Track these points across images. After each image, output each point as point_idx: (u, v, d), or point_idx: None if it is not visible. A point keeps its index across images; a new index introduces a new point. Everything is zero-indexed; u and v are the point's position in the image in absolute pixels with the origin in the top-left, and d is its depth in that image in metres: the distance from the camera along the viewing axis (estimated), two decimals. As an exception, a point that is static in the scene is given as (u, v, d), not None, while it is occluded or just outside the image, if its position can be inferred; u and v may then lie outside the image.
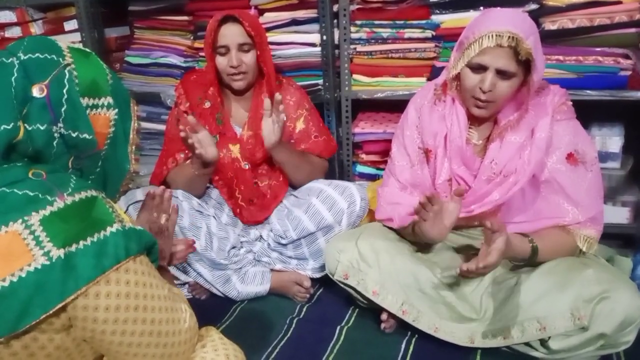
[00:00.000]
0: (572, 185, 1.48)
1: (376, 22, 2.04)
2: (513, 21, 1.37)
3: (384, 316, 1.61)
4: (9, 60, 0.92)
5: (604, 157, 1.94)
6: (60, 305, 0.84)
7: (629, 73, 1.81)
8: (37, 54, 0.94)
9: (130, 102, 1.08)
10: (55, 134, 0.94)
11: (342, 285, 1.65)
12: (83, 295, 0.85)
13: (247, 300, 1.86)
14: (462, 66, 1.43)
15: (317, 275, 1.87)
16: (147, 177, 2.13)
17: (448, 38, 1.98)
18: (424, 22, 1.99)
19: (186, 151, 1.86)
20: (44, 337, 0.86)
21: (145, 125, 2.43)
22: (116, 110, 1.01)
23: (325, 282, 1.84)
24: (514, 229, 1.50)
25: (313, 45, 2.13)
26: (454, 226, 1.47)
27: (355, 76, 2.12)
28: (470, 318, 1.54)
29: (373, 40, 2.07)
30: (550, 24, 1.84)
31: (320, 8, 2.05)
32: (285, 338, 1.65)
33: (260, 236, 1.94)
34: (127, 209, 1.73)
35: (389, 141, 1.77)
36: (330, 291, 1.84)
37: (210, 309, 1.81)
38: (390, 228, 1.68)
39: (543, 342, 1.45)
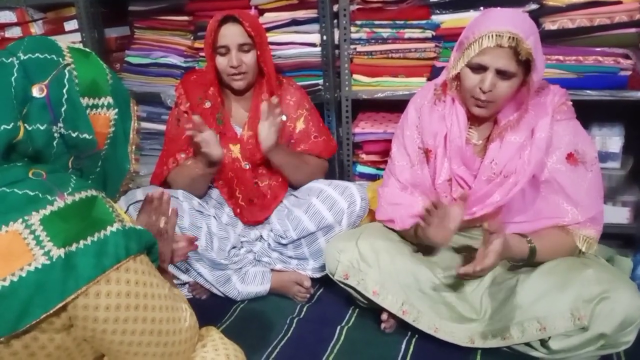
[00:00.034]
0: (572, 185, 1.48)
1: (376, 22, 2.04)
2: (513, 21, 1.37)
3: (384, 316, 1.61)
4: (9, 60, 0.92)
5: (604, 157, 1.94)
6: (60, 305, 0.84)
7: (629, 73, 1.81)
8: (37, 54, 0.94)
9: (130, 102, 1.08)
10: (55, 134, 0.94)
11: (342, 285, 1.65)
12: (83, 294, 0.85)
13: (248, 300, 1.86)
14: (462, 66, 1.43)
15: (318, 275, 1.87)
16: (147, 177, 2.13)
17: (448, 38, 1.98)
18: (424, 22, 1.99)
19: (187, 151, 1.86)
20: (44, 337, 0.86)
21: (145, 125, 2.43)
22: (116, 110, 1.01)
23: (325, 282, 1.84)
24: (514, 229, 1.50)
25: (313, 45, 2.13)
26: (456, 229, 1.47)
27: (355, 76, 2.12)
28: (471, 318, 1.54)
29: (373, 40, 2.07)
30: (550, 24, 1.84)
31: (321, 8, 2.05)
32: (286, 338, 1.64)
33: (261, 236, 1.94)
34: (127, 209, 1.72)
35: (389, 141, 1.77)
36: (330, 291, 1.84)
37: (211, 308, 1.81)
38: (391, 228, 1.69)
39: (543, 342, 1.45)
